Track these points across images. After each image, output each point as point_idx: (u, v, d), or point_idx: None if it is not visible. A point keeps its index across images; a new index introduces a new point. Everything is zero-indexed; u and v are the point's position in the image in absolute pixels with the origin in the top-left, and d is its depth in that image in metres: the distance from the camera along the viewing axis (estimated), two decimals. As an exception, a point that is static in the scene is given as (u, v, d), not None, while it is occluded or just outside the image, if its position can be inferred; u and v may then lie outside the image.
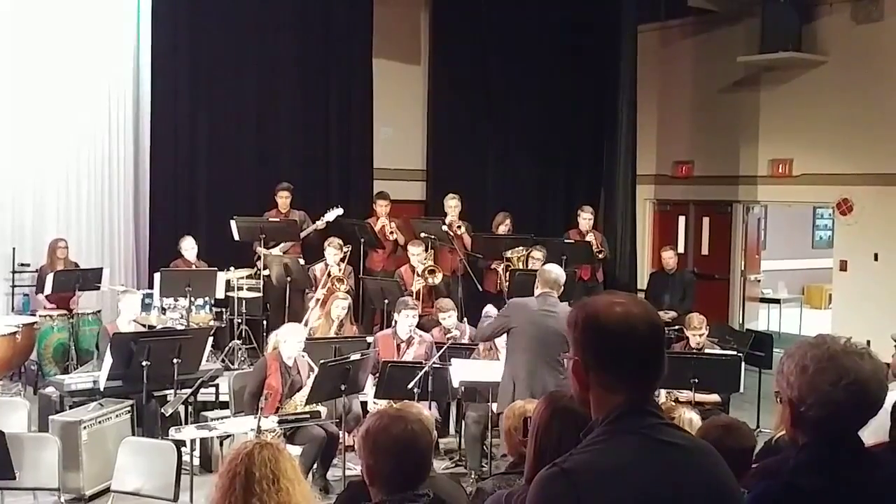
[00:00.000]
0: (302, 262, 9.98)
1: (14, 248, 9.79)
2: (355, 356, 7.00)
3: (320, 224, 10.37)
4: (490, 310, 7.42)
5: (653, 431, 2.05)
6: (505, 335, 6.88)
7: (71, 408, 7.18)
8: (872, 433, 2.98)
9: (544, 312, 6.52)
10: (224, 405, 7.89)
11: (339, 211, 10.43)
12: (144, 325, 8.78)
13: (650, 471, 2.00)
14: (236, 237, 10.01)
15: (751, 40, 12.08)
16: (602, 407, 2.09)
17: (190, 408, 7.65)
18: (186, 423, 7.09)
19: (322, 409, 7.05)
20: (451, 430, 8.39)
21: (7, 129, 9.99)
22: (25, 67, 10.02)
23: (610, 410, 2.07)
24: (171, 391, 7.36)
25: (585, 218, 11.03)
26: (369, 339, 8.32)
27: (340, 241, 9.76)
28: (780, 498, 2.24)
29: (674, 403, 7.20)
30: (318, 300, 9.16)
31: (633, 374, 2.07)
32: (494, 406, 6.88)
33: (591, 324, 2.10)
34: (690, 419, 5.15)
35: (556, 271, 6.89)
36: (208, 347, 8.00)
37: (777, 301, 14.46)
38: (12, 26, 9.94)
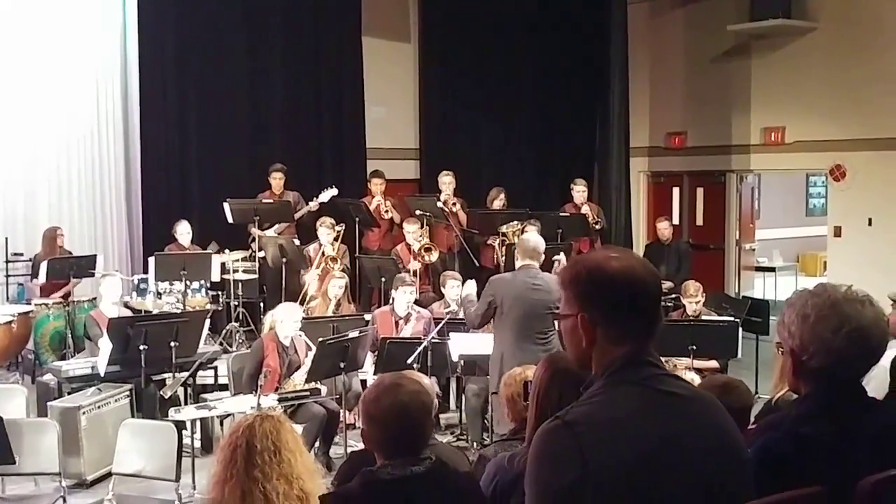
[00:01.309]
0: (297, 242, 9.95)
1: (7, 238, 9.74)
2: (354, 333, 6.99)
3: (314, 205, 10.32)
4: (470, 291, 7.21)
5: (654, 382, 2.04)
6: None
7: (69, 394, 7.16)
8: (872, 393, 2.97)
9: (529, 287, 6.32)
10: (223, 388, 7.87)
11: (334, 191, 10.38)
12: (140, 311, 8.78)
13: (652, 421, 1.98)
14: (230, 219, 9.96)
15: (741, 8, 12.05)
16: (603, 360, 2.07)
17: (189, 390, 7.64)
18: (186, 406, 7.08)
19: (322, 387, 7.04)
20: (452, 404, 8.40)
21: (-5, 118, 9.93)
22: (12, 53, 9.93)
23: (610, 363, 2.05)
24: (170, 375, 7.34)
25: (579, 191, 11.03)
26: (367, 317, 8.31)
27: (332, 221, 9.71)
28: (784, 447, 2.24)
29: (673, 368, 7.20)
30: (317, 275, 9.18)
31: (640, 324, 2.06)
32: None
33: (597, 277, 2.08)
34: (692, 380, 5.14)
35: (534, 239, 6.66)
36: (205, 330, 7.98)
37: (772, 269, 14.46)
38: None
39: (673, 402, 2.03)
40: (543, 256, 6.62)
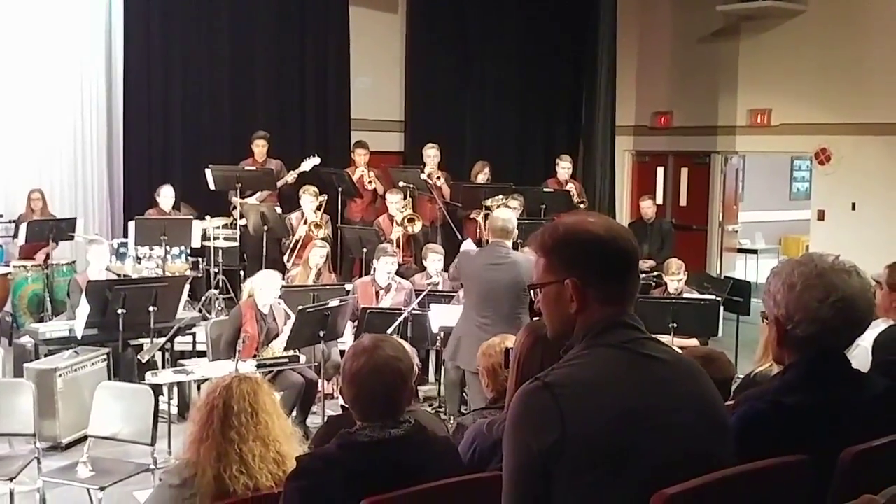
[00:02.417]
0: (279, 210, 9.88)
1: (-14, 200, 9.66)
2: (334, 302, 6.95)
3: (291, 177, 10.21)
4: (467, 245, 7.17)
5: (635, 345, 2.02)
6: None
7: (46, 356, 7.10)
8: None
9: (490, 266, 6.12)
10: (201, 354, 7.81)
11: (316, 160, 10.30)
12: (119, 275, 8.70)
13: (633, 384, 1.96)
14: (212, 186, 9.88)
15: (730, -11, 12.02)
16: (587, 323, 2.05)
17: (167, 356, 7.59)
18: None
19: (301, 355, 7.01)
20: (431, 377, 8.38)
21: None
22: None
23: (592, 325, 2.03)
24: (148, 340, 7.29)
25: (564, 167, 11.00)
26: (348, 286, 8.27)
27: (316, 189, 9.67)
28: (767, 416, 2.22)
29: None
30: (297, 240, 9.12)
31: (627, 284, 2.06)
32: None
33: (585, 238, 2.05)
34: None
35: (504, 216, 6.34)
36: (185, 296, 7.92)
37: (754, 251, 14.49)
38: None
39: (654, 366, 2.01)
40: (516, 233, 6.46)
